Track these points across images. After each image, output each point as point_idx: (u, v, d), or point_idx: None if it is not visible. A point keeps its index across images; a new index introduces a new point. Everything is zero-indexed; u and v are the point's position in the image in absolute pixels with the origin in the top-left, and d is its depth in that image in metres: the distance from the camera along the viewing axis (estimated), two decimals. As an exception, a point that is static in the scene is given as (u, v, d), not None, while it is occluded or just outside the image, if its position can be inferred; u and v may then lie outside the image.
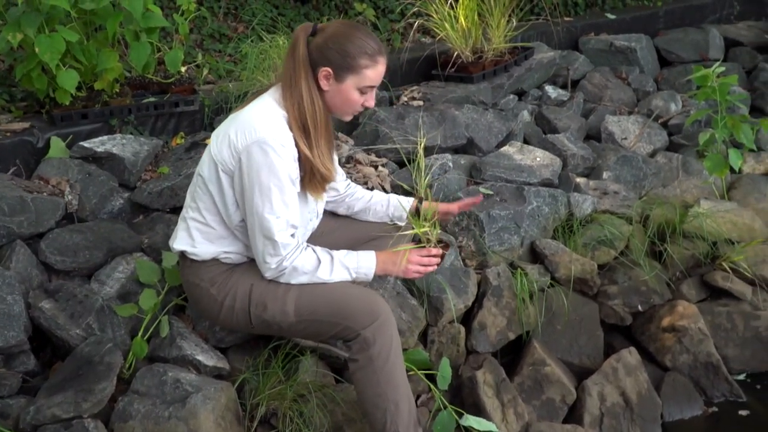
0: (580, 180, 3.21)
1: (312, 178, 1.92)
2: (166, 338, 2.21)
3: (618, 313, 2.78)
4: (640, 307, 2.79)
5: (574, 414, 2.46)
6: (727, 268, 2.87)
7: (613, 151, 3.44)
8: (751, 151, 3.53)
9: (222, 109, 3.09)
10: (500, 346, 2.58)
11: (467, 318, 2.57)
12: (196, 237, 1.98)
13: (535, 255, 2.85)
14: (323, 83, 1.87)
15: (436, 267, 2.06)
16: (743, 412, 2.60)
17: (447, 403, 2.12)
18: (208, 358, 2.18)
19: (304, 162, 1.88)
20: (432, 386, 2.19)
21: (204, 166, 1.93)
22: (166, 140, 2.99)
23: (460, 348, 2.49)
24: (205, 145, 2.97)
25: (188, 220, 2.00)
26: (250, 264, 1.99)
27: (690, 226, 3.00)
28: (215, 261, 1.99)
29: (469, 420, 2.07)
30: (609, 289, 2.82)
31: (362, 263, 1.98)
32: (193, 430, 1.95)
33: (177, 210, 2.71)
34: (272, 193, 1.82)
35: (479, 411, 2.24)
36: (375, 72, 1.88)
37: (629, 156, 3.37)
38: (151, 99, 2.94)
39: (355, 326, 1.90)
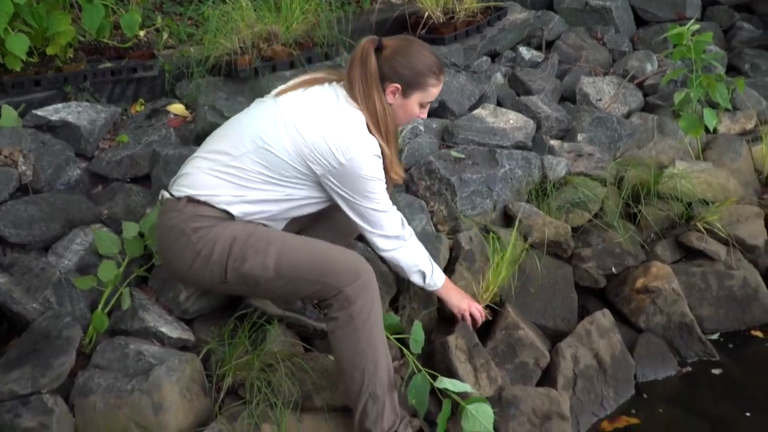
0: (554, 142, 3.21)
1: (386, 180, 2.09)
2: (128, 311, 2.18)
3: (592, 276, 2.80)
4: (614, 269, 2.81)
5: (547, 377, 2.48)
6: (702, 229, 2.89)
7: (587, 112, 3.43)
8: (727, 110, 3.53)
9: (183, 74, 3.04)
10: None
11: None
12: (224, 180, 1.99)
13: (509, 219, 2.85)
14: (390, 97, 2.05)
15: (477, 325, 2.41)
16: (716, 371, 2.63)
17: (421, 367, 2.13)
18: (172, 330, 2.16)
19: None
20: (405, 350, 2.20)
21: (279, 146, 1.98)
22: (124, 107, 2.94)
23: (432, 313, 2.50)
24: (167, 112, 2.92)
25: (222, 166, 2.00)
26: (239, 221, 2.01)
27: (665, 187, 3.02)
28: (216, 210, 1.99)
29: (444, 382, 2.08)
30: (583, 251, 2.83)
31: (437, 272, 2.28)
32: (158, 402, 1.94)
33: (138, 180, 2.68)
34: (379, 193, 2.05)
35: (452, 377, 2.22)
36: (438, 89, 2.11)
37: (604, 117, 3.37)
38: (108, 64, 2.88)
39: (336, 284, 1.94)
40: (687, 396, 2.56)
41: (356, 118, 2.01)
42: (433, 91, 2.09)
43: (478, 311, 2.39)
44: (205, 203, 1.99)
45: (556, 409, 2.26)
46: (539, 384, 2.46)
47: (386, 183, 2.08)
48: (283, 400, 2.06)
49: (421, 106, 2.12)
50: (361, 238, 2.28)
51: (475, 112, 3.27)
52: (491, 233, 2.69)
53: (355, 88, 2.02)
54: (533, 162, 2.98)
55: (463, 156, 2.91)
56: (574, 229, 2.90)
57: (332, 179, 2.01)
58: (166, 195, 2.07)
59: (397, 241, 2.16)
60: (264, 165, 1.99)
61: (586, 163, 3.13)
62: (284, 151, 1.98)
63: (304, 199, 2.07)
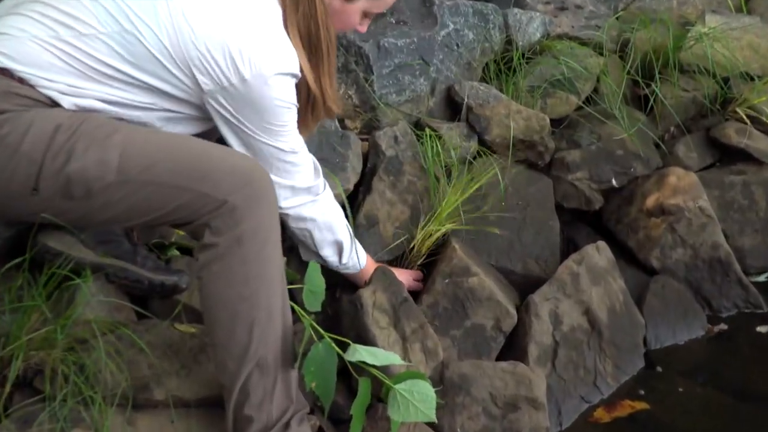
0: (524, -11, 3.20)
1: (308, 114, 2.19)
2: None
3: (582, 192, 2.81)
4: (614, 182, 2.83)
5: (513, 346, 2.49)
6: (744, 117, 2.93)
7: (575, -58, 3.42)
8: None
9: None
10: (401, 250, 2.60)
11: (350, 208, 2.55)
12: (62, 62, 1.97)
13: (455, 107, 2.83)
14: None
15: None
16: (763, 329, 2.71)
17: (323, 332, 2.11)
18: None
19: (300, 92, 2.11)
20: (297, 308, 2.18)
21: (154, 39, 1.99)
22: None
23: (338, 256, 2.49)
24: None
25: (61, 42, 1.98)
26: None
27: (690, 56, 3.03)
28: (40, 94, 1.96)
29: (359, 352, 2.05)
30: (568, 155, 2.83)
31: (358, 246, 2.41)
32: None
33: None
34: (289, 126, 2.11)
35: (368, 349, 2.26)
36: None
37: (600, -51, 3.36)
38: None
39: (215, 191, 1.94)
40: (720, 367, 2.61)
41: (275, 17, 2.06)
42: (387, 0, 2.23)
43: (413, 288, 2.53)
44: (27, 83, 1.95)
45: (525, 393, 2.27)
46: (501, 357, 2.47)
47: (310, 118, 2.19)
48: (104, 394, 2.02)
49: (365, 15, 2.22)
50: None
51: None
52: (428, 130, 2.66)
53: None
54: (492, 18, 2.96)
55: (383, 10, 2.86)
56: (555, 122, 2.89)
57: (223, 101, 2.03)
58: None
59: (307, 195, 2.23)
60: (124, 57, 1.99)
61: (572, 19, 3.12)
62: (160, 46, 1.97)
63: (172, 113, 2.09)
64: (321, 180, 2.28)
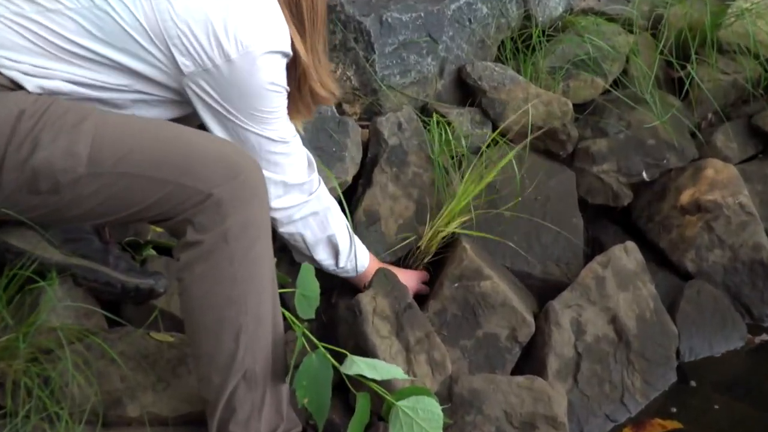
0: (545, -42, 3.18)
1: (297, 99, 2.18)
2: None
3: (608, 187, 2.81)
4: (645, 175, 2.83)
5: (531, 358, 2.49)
6: (791, 103, 2.93)
7: None
8: None
9: None
10: (405, 251, 2.61)
11: (348, 203, 2.57)
12: (25, 39, 1.98)
13: (466, 90, 2.83)
14: None
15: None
16: (811, 341, 2.71)
17: (317, 342, 2.12)
18: None
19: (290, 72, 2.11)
20: (288, 315, 2.19)
21: (128, 14, 1.99)
22: None
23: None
24: None
25: (23, 19, 1.98)
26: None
27: (730, 34, 3.03)
28: (2, 77, 1.96)
29: (356, 364, 2.06)
30: (593, 145, 2.83)
31: (359, 246, 2.41)
32: None
33: None
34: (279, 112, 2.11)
35: (368, 361, 2.26)
36: None
37: None
38: None
39: (199, 183, 1.93)
40: (761, 382, 2.61)
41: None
42: None
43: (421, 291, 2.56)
44: None
45: (544, 412, 2.27)
46: (517, 371, 2.47)
47: (300, 104, 2.19)
48: (71, 410, 2.03)
49: None
50: None
51: None
52: (435, 116, 2.66)
53: None
54: (508, -8, 2.96)
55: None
56: (579, 107, 2.89)
57: (206, 85, 2.02)
58: None
59: (300, 193, 2.24)
60: (94, 35, 1.98)
61: (599, -7, 3.13)
62: (135, 23, 1.97)
63: (148, 95, 2.08)
64: (315, 176, 2.28)
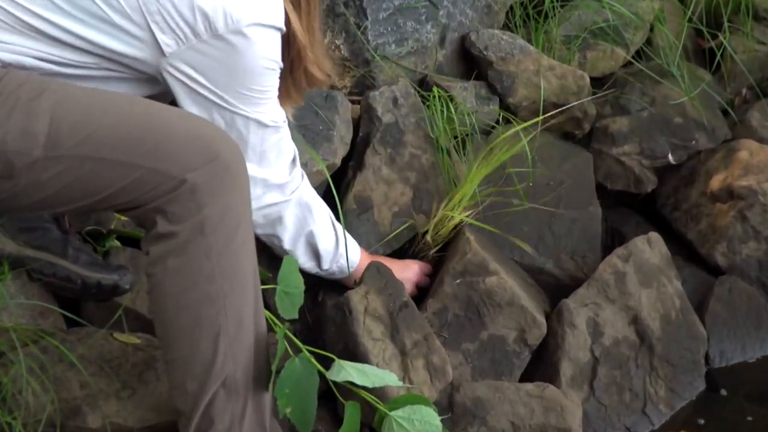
0: None
1: (293, 80, 2.21)
2: None
3: (630, 171, 2.83)
4: (671, 157, 2.85)
5: (542, 363, 2.51)
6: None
7: None
8: None
9: None
10: (401, 241, 2.63)
11: (336, 188, 2.54)
12: None
13: (470, 62, 2.85)
14: None
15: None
16: None
17: (300, 344, 2.12)
18: None
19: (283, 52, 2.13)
20: (269, 315, 2.19)
21: None
22: None
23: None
24: None
25: None
26: None
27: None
28: None
29: (345, 370, 2.06)
30: (613, 124, 2.85)
31: (351, 241, 2.44)
32: None
33: None
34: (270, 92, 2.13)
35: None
36: None
37: None
38: None
39: (171, 168, 1.91)
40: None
41: None
42: None
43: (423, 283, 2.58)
44: None
45: (556, 423, 2.29)
46: (526, 377, 2.49)
47: (291, 87, 2.21)
48: (25, 419, 2.04)
49: None
50: None
51: None
52: (436, 90, 2.67)
53: None
54: (518, -50, 2.96)
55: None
56: (597, 81, 2.90)
57: (187, 67, 2.04)
58: None
59: (279, 193, 2.28)
60: (63, 10, 1.99)
61: (620, -47, 3.11)
62: None
63: (118, 73, 2.09)
64: (297, 171, 2.30)
